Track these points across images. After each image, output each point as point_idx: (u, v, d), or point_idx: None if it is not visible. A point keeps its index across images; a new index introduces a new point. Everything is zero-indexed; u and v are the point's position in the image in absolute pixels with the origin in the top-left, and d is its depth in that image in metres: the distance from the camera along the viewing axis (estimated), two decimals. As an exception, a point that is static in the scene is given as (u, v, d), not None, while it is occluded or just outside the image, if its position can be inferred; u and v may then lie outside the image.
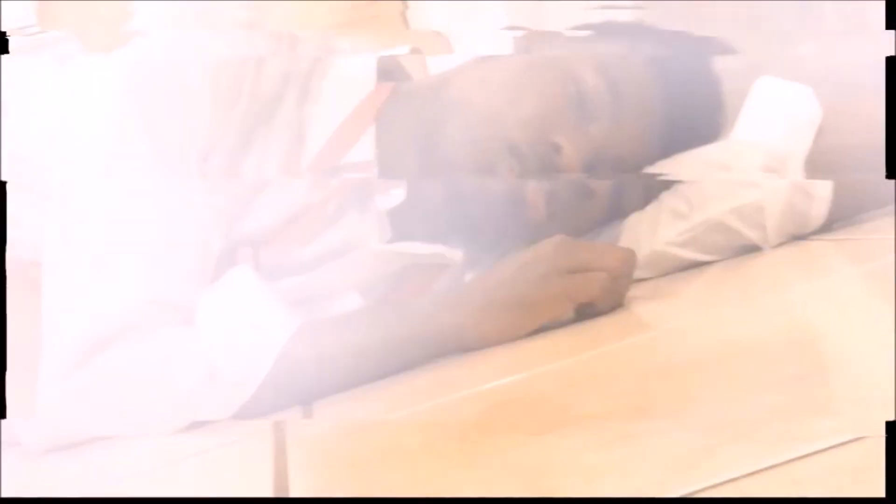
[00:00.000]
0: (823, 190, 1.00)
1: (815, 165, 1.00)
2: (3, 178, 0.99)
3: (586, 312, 0.91)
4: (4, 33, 1.04)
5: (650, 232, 1.06)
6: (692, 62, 1.09)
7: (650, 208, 1.06)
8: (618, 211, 1.06)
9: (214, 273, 0.95)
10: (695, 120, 1.07)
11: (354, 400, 0.86)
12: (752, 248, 1.04)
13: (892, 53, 1.28)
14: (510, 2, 1.15)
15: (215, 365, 0.87)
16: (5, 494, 0.77)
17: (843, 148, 1.00)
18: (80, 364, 0.87)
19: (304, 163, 1.03)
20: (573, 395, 0.65)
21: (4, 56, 1.01)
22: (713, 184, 1.04)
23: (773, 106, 1.02)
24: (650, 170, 1.06)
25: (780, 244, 1.02)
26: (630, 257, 0.95)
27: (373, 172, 1.02)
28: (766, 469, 0.38)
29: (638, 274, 1.07)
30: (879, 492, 0.33)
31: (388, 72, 1.12)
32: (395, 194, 1.02)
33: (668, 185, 1.07)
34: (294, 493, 0.54)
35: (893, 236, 0.89)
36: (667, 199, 1.05)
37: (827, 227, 1.02)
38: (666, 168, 1.05)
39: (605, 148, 1.03)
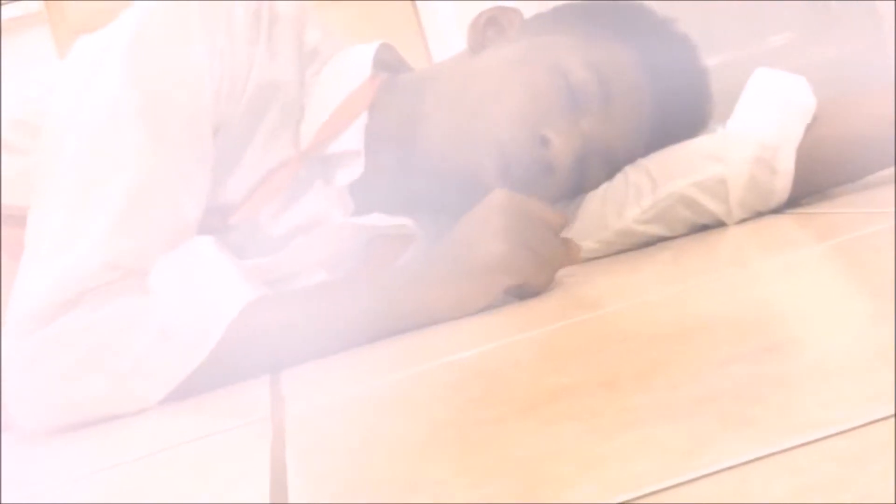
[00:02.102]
0: (786, 164, 0.99)
1: (810, 156, 0.99)
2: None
3: (519, 293, 0.91)
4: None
5: (617, 211, 1.05)
6: (678, 52, 1.08)
7: (618, 185, 1.06)
8: (578, 187, 1.05)
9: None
10: (682, 111, 1.06)
11: (324, 370, 0.85)
12: (716, 224, 1.04)
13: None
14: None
15: (166, 329, 0.86)
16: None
17: (837, 139, 0.99)
18: (38, 327, 0.86)
19: (301, 149, 1.02)
20: (544, 367, 0.64)
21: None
22: (676, 159, 1.03)
23: (767, 97, 1.01)
24: (643, 162, 1.05)
25: (744, 220, 1.02)
26: (566, 220, 0.94)
27: (360, 163, 1.01)
28: (768, 456, 0.37)
29: (604, 250, 1.08)
30: (886, 480, 0.32)
31: (388, 63, 1.11)
32: (355, 168, 1.01)
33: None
34: (291, 480, 0.54)
35: (861, 211, 0.89)
36: (632, 177, 1.05)
37: (793, 201, 1.01)
38: (658, 160, 1.04)
39: (595, 142, 1.02)
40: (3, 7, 3.27)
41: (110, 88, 0.94)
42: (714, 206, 1.02)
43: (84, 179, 0.92)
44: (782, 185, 0.99)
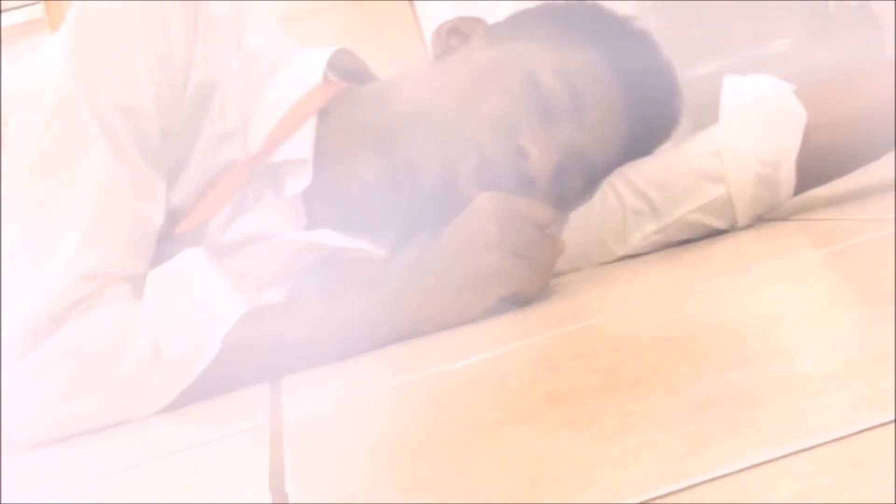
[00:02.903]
0: (787, 176, 0.98)
1: (808, 162, 0.99)
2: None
3: (514, 301, 0.90)
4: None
5: (620, 239, 1.05)
6: (641, 50, 1.07)
7: (613, 210, 1.05)
8: (559, 200, 1.04)
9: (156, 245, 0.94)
10: (654, 109, 1.05)
11: (323, 376, 0.85)
12: (718, 232, 1.03)
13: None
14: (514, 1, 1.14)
15: (159, 345, 0.85)
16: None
17: (833, 146, 0.99)
18: (27, 350, 0.85)
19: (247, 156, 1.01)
20: (543, 373, 0.65)
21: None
22: (674, 183, 1.02)
23: (756, 110, 0.99)
24: (638, 182, 1.04)
25: (748, 226, 1.02)
26: (553, 215, 0.93)
27: (307, 172, 1.00)
28: (766, 462, 0.37)
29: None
30: (886, 486, 0.32)
31: (348, 70, 1.10)
32: (303, 178, 0.99)
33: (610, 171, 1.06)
34: (290, 486, 0.54)
35: (861, 218, 0.89)
36: (629, 201, 1.04)
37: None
38: (655, 183, 1.04)
39: (573, 151, 1.01)
40: (4, 13, 3.27)
41: (58, 100, 0.92)
42: (720, 224, 1.02)
43: (46, 192, 0.91)
44: (785, 193, 1.00)
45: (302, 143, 1.00)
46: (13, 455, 0.88)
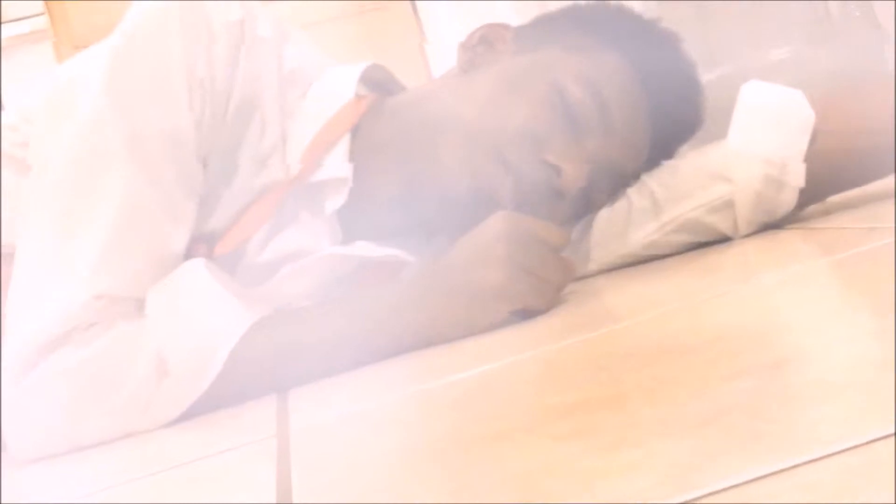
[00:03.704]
0: (794, 179, 0.98)
1: (814, 168, 0.99)
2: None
3: (523, 315, 0.90)
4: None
5: (621, 234, 1.05)
6: (666, 52, 1.07)
7: (620, 207, 1.05)
8: (586, 208, 1.05)
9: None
10: (679, 111, 1.06)
11: (330, 387, 0.85)
12: (721, 239, 1.03)
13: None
14: (517, 1, 1.14)
15: (165, 360, 0.85)
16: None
17: (839, 151, 0.99)
18: (31, 368, 0.85)
19: (289, 175, 1.01)
20: (549, 384, 0.65)
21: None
22: (680, 182, 1.03)
23: (764, 112, 1.00)
24: (648, 182, 1.05)
25: (750, 234, 1.02)
26: (568, 237, 0.94)
27: (345, 191, 1.00)
28: (772, 474, 0.37)
29: (606, 268, 1.07)
30: (892, 496, 0.32)
31: (380, 83, 1.10)
32: (341, 196, 0.99)
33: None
34: (297, 497, 0.54)
35: (862, 227, 0.89)
36: (636, 201, 1.04)
37: (797, 210, 1.01)
38: (663, 182, 1.04)
39: (601, 161, 1.01)
40: (7, 25, 3.27)
41: (92, 117, 0.92)
42: (721, 226, 1.02)
43: (68, 211, 0.90)
44: (788, 199, 0.99)
45: (339, 163, 1.00)
46: (21, 464, 0.88)
